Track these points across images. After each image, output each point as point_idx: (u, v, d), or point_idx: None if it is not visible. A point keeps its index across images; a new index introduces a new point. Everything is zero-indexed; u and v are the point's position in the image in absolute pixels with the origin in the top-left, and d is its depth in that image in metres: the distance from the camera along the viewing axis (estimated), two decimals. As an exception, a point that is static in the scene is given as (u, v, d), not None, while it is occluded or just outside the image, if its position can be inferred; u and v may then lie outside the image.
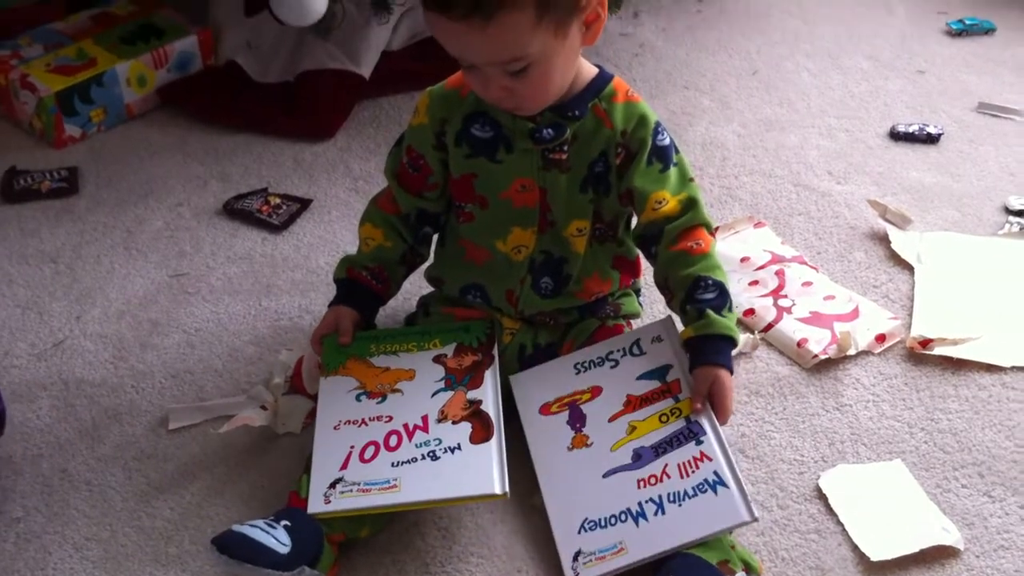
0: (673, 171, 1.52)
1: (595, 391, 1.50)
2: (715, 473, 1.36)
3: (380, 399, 1.48)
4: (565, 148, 1.48)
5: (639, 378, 1.49)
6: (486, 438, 1.41)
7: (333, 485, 1.37)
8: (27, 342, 1.75)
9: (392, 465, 1.39)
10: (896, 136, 2.29)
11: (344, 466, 1.39)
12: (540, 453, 1.48)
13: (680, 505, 1.35)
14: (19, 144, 2.24)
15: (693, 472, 1.37)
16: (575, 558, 1.36)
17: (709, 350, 1.45)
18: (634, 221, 1.57)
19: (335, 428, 1.44)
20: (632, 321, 1.67)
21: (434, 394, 1.49)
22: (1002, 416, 1.62)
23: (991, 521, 1.47)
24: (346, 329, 1.56)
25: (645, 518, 1.35)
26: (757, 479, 1.52)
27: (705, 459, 1.38)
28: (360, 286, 1.60)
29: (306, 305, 1.83)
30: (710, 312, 1.44)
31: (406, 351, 1.55)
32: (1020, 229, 2.00)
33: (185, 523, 1.46)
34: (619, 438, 1.44)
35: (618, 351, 1.53)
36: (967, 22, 2.72)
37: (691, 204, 1.51)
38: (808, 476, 1.53)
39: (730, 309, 1.47)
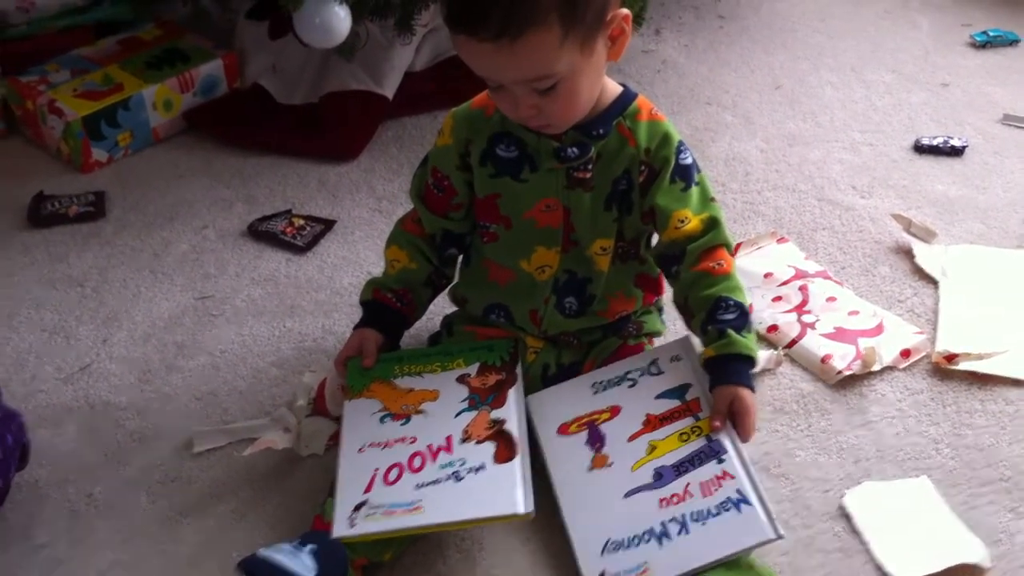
0: (695, 190, 1.52)
1: (614, 411, 1.50)
2: (738, 491, 1.35)
3: (404, 420, 1.48)
4: (589, 167, 1.49)
5: (658, 397, 1.49)
6: (510, 457, 1.41)
7: (358, 508, 1.37)
8: (54, 366, 1.77)
9: (416, 487, 1.38)
10: (920, 149, 2.28)
11: (368, 489, 1.39)
12: (559, 474, 1.47)
13: (704, 524, 1.34)
14: (47, 169, 2.27)
15: (716, 491, 1.37)
16: None
17: (730, 370, 1.44)
18: (655, 239, 1.57)
19: (359, 451, 1.45)
20: (654, 339, 1.67)
21: (458, 414, 1.48)
22: (1029, 432, 1.61)
23: (1018, 538, 1.46)
24: (370, 351, 1.56)
25: (669, 537, 1.35)
26: (781, 497, 1.51)
27: (728, 477, 1.37)
28: (385, 308, 1.61)
29: (330, 326, 1.84)
30: (731, 332, 1.44)
31: (430, 372, 1.55)
32: (1046, 242, 1.99)
33: (210, 547, 1.46)
34: (639, 457, 1.44)
35: (636, 371, 1.53)
36: (991, 34, 2.71)
37: (713, 224, 1.52)
38: (833, 494, 1.52)
39: (749, 330, 1.47)
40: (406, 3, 2.25)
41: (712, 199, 1.54)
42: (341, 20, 2.09)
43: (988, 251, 1.97)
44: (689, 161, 1.52)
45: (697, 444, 1.42)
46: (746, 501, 1.34)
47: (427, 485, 1.39)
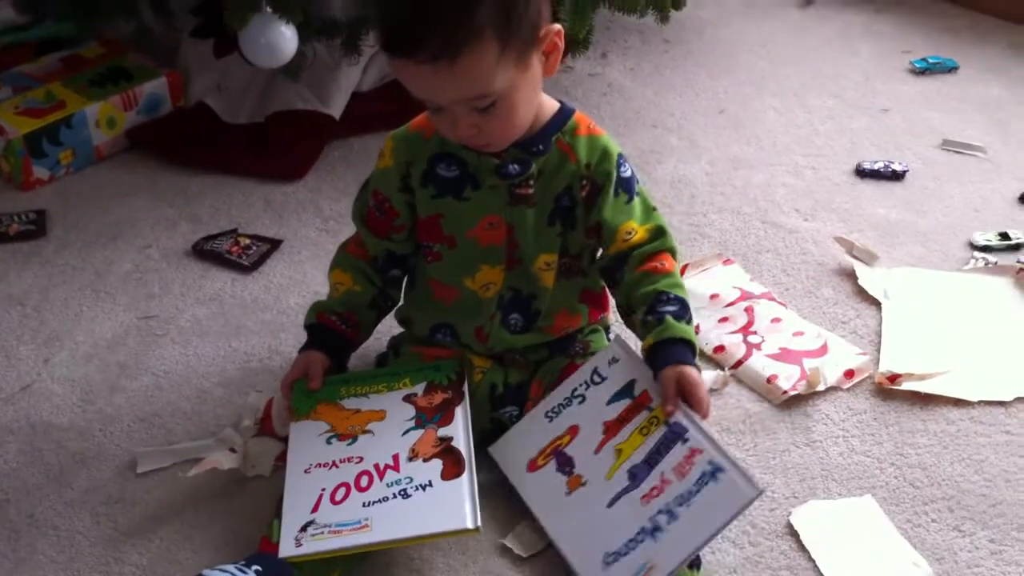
0: (637, 201, 1.54)
1: (573, 431, 1.50)
2: (710, 462, 1.36)
3: (351, 440, 1.47)
4: (531, 183, 1.49)
5: (609, 403, 1.50)
6: (458, 474, 1.40)
7: (304, 528, 1.36)
8: (-6, 386, 1.74)
9: (363, 505, 1.38)
10: (862, 173, 2.31)
11: (315, 509, 1.38)
12: (541, 507, 1.47)
13: (689, 506, 1.35)
14: (-14, 187, 2.24)
15: (690, 469, 1.37)
16: None
17: (669, 353, 1.45)
18: (599, 254, 1.58)
19: (306, 471, 1.44)
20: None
21: (405, 433, 1.48)
22: (971, 450, 1.63)
23: (961, 555, 1.47)
24: (316, 374, 1.55)
25: (661, 530, 1.35)
26: (728, 516, 1.52)
27: (697, 453, 1.38)
28: (330, 331, 1.60)
29: (276, 346, 1.82)
30: (668, 318, 1.46)
31: (376, 392, 1.55)
32: (985, 265, 2.02)
33: (154, 568, 1.44)
34: (610, 465, 1.44)
35: (581, 385, 1.54)
36: (930, 61, 2.75)
37: (659, 232, 1.55)
38: (779, 512, 1.53)
39: (689, 321, 1.48)
40: (353, 24, 2.25)
41: (654, 208, 1.56)
42: (287, 40, 2.08)
43: (929, 274, 2.00)
44: (629, 173, 1.54)
45: (658, 433, 1.42)
46: (720, 468, 1.35)
47: (375, 504, 1.38)
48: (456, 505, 1.36)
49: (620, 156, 1.53)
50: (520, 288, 1.57)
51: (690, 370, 1.44)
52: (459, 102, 1.36)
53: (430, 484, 1.39)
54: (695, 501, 1.35)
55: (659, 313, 1.48)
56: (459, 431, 1.47)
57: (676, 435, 1.41)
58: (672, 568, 1.32)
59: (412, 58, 1.30)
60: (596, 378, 1.53)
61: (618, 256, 1.54)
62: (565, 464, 1.48)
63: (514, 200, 1.50)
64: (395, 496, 1.38)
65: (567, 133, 1.50)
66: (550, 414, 1.54)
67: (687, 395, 1.43)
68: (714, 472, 1.36)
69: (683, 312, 1.49)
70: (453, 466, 1.41)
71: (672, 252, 1.55)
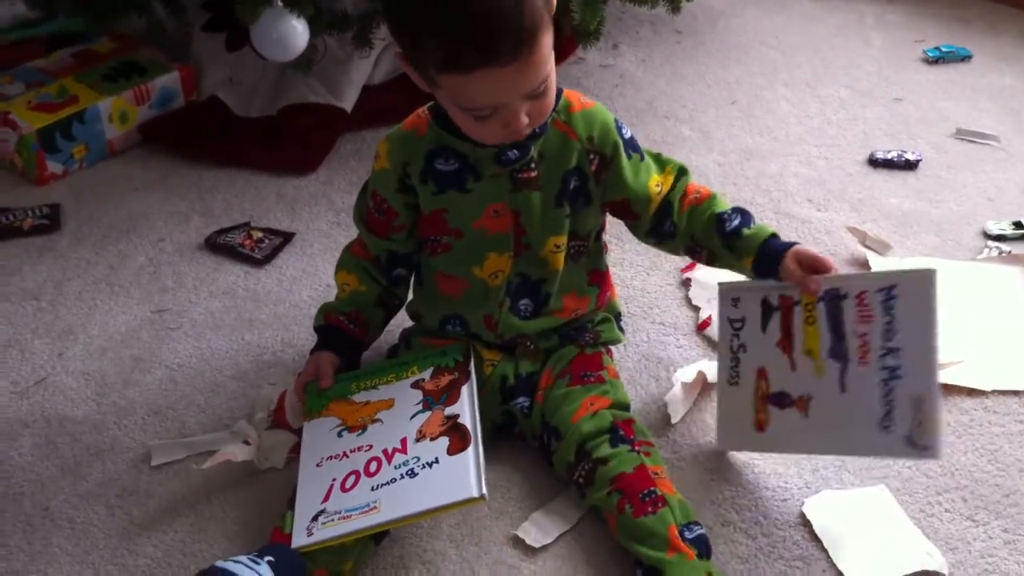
0: (646, 154, 1.57)
1: (762, 373, 1.53)
2: (879, 290, 1.41)
3: (360, 431, 1.48)
4: (533, 166, 1.49)
5: (765, 330, 1.53)
6: (463, 448, 1.41)
7: (315, 518, 1.36)
8: (9, 380, 1.74)
9: (372, 489, 1.38)
10: (875, 163, 2.31)
11: (326, 498, 1.39)
12: (798, 445, 1.52)
13: (900, 330, 1.39)
14: (0, 182, 2.25)
15: (872, 309, 1.42)
16: None
17: (769, 254, 1.50)
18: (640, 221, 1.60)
19: (317, 465, 1.44)
20: (612, 348, 1.68)
21: (412, 416, 1.49)
22: (984, 440, 1.63)
23: (975, 545, 1.47)
24: (326, 373, 1.57)
25: (899, 367, 1.39)
26: (741, 507, 1.52)
27: (863, 295, 1.43)
28: (338, 331, 1.62)
29: (289, 339, 1.83)
30: (743, 230, 1.53)
31: (385, 383, 1.55)
32: (999, 254, 2.01)
33: (168, 560, 1.45)
34: (812, 367, 1.47)
35: (731, 339, 1.57)
36: (943, 50, 2.75)
37: (677, 171, 1.59)
38: (792, 503, 1.53)
39: (753, 220, 1.55)
40: (364, 17, 2.26)
41: (659, 154, 1.60)
42: (299, 34, 2.09)
43: (943, 263, 1.99)
44: (629, 134, 1.56)
45: (822, 311, 1.46)
46: (891, 285, 1.41)
47: (383, 487, 1.38)
48: (462, 476, 1.36)
49: (616, 121, 1.54)
50: (529, 273, 1.57)
51: (795, 249, 1.48)
52: (527, 94, 1.35)
53: (436, 461, 1.40)
54: (899, 322, 1.38)
55: (732, 233, 1.53)
56: (465, 408, 1.48)
57: (835, 299, 1.44)
58: (932, 384, 1.36)
59: (495, 63, 1.27)
60: (736, 324, 1.56)
61: (659, 212, 1.57)
62: (782, 400, 1.50)
63: (517, 185, 1.50)
64: (402, 477, 1.39)
65: (561, 112, 1.50)
66: (732, 379, 1.56)
67: (810, 267, 1.47)
68: (889, 292, 1.39)
69: (746, 218, 1.55)
70: (459, 441, 1.42)
71: (689, 177, 1.60)
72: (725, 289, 1.58)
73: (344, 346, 1.62)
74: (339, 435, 1.48)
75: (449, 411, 1.47)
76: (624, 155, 1.52)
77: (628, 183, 1.53)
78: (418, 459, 1.40)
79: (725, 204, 1.56)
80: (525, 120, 1.37)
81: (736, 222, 1.53)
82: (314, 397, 1.55)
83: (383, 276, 1.62)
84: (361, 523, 1.34)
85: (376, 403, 1.52)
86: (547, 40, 1.31)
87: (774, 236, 1.52)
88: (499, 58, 1.27)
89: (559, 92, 1.50)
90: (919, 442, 1.36)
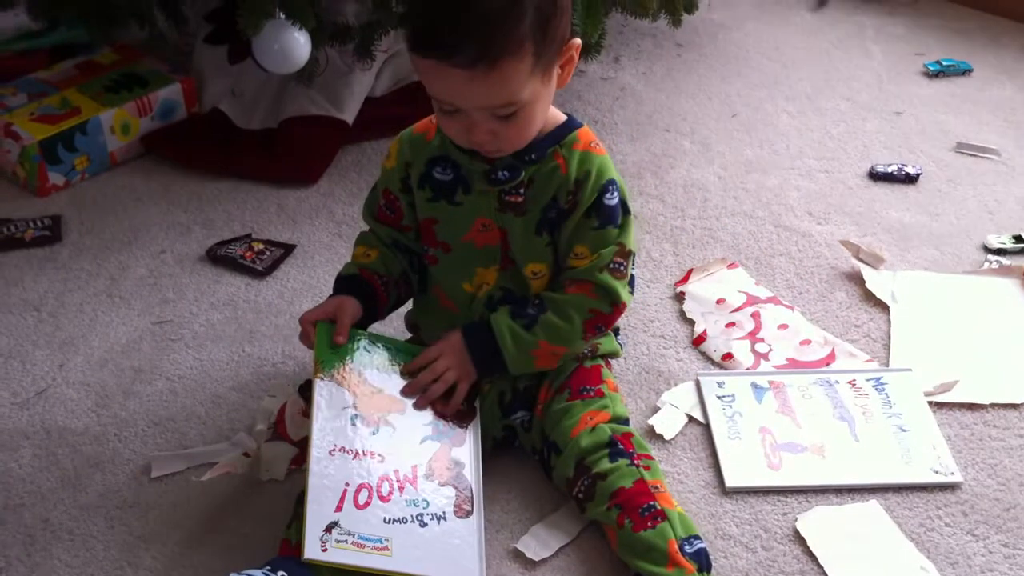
0: (610, 232, 1.51)
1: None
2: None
3: (374, 430, 1.47)
4: (521, 191, 1.50)
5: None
6: (468, 513, 1.44)
7: (329, 529, 1.36)
8: (9, 391, 1.75)
9: (384, 521, 1.39)
10: (875, 176, 2.31)
11: (339, 508, 1.38)
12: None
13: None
14: (2, 193, 2.25)
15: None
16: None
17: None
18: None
19: (330, 453, 1.42)
20: (610, 360, 1.68)
21: (423, 441, 1.49)
22: (984, 454, 1.63)
23: (975, 559, 1.47)
24: (344, 326, 1.52)
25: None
26: (741, 520, 1.52)
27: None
28: (372, 288, 1.59)
29: (289, 351, 1.83)
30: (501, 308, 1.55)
31: (398, 372, 1.55)
32: (999, 267, 2.01)
33: (168, 572, 1.45)
34: None
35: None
36: (944, 63, 2.75)
37: (606, 292, 1.52)
38: (791, 517, 1.53)
39: (518, 319, 1.53)
40: (366, 29, 2.26)
41: (631, 252, 1.53)
42: (301, 46, 2.09)
43: (937, 277, 1.99)
44: (614, 202, 1.51)
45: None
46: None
47: (395, 523, 1.39)
48: (467, 554, 1.41)
49: (610, 182, 1.51)
50: (512, 289, 1.57)
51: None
52: (483, 108, 1.36)
53: (444, 517, 1.43)
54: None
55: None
56: (468, 457, 1.50)
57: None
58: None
59: (448, 60, 1.30)
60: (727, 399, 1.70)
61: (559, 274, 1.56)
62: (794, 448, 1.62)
63: (503, 207, 1.51)
64: (413, 520, 1.41)
65: (565, 146, 1.50)
66: (732, 436, 1.64)
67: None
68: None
69: (522, 311, 1.52)
70: (464, 503, 1.45)
71: (614, 304, 1.53)
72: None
73: (370, 304, 1.58)
74: (352, 422, 1.46)
75: (455, 454, 1.49)
76: (592, 216, 1.50)
77: (566, 231, 1.51)
78: (427, 503, 1.43)
79: (552, 301, 1.52)
80: (488, 137, 1.39)
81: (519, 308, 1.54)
82: (325, 347, 1.51)
83: (402, 255, 1.62)
84: (372, 561, 1.35)
85: (389, 398, 1.52)
86: (518, 68, 1.32)
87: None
88: (452, 57, 1.30)
89: (574, 127, 1.51)
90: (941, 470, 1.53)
